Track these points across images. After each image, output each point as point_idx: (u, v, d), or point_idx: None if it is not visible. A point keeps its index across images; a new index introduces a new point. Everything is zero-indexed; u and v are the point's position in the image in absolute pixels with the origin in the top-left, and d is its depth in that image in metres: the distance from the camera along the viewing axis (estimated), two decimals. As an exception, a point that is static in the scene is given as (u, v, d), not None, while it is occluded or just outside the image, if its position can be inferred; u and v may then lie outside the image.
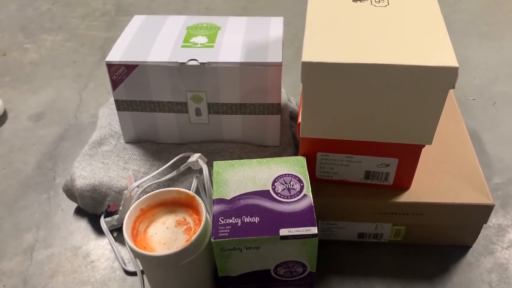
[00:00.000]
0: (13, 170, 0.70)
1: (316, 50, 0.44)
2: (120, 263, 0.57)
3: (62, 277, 0.56)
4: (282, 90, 0.74)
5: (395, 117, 0.46)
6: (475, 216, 0.53)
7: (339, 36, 0.46)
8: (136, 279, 0.55)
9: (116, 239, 0.59)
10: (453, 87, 0.41)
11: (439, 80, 0.42)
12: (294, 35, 0.97)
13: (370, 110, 0.46)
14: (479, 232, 0.55)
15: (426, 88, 0.43)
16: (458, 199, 0.52)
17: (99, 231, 0.61)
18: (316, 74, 0.44)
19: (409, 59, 0.42)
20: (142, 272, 0.55)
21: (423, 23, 0.47)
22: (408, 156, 0.50)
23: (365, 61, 0.42)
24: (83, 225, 0.62)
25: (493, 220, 0.60)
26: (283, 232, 0.44)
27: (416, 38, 0.45)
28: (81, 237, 0.60)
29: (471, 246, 0.57)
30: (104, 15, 1.08)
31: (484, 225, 0.55)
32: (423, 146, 0.49)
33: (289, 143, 0.67)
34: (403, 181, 0.53)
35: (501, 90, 0.82)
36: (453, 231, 0.55)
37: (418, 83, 0.42)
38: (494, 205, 0.52)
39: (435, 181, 0.54)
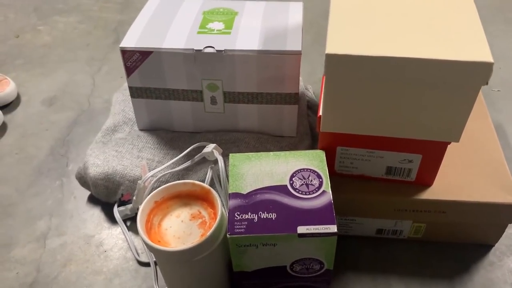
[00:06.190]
0: (26, 156, 0.69)
1: (341, 42, 0.42)
2: (133, 253, 0.56)
3: (75, 266, 0.55)
4: (300, 78, 0.72)
5: (422, 113, 0.44)
6: (499, 215, 0.51)
7: (365, 27, 0.43)
8: (149, 270, 0.54)
9: (129, 228, 0.59)
10: (487, 83, 0.39)
11: (472, 76, 0.39)
12: (312, 20, 0.94)
13: (396, 106, 0.44)
14: (503, 231, 0.54)
15: (457, 84, 0.40)
16: (483, 197, 0.50)
17: (112, 220, 0.60)
18: (341, 67, 0.41)
19: (440, 53, 0.40)
20: (156, 263, 0.54)
21: (456, 14, 0.44)
22: (432, 153, 0.48)
23: (393, 55, 0.40)
24: (96, 214, 0.61)
25: (517, 218, 0.58)
26: (301, 229, 0.43)
27: (447, 31, 0.42)
28: (94, 226, 0.59)
29: (493, 245, 0.55)
30: (118, -4, 1.05)
31: (509, 224, 0.53)
32: (449, 143, 0.47)
33: (306, 133, 0.66)
34: (426, 178, 0.51)
35: (528, 81, 0.79)
36: (476, 230, 0.54)
37: (449, 78, 0.40)
38: (521, 205, 0.50)
39: (459, 178, 0.52)
